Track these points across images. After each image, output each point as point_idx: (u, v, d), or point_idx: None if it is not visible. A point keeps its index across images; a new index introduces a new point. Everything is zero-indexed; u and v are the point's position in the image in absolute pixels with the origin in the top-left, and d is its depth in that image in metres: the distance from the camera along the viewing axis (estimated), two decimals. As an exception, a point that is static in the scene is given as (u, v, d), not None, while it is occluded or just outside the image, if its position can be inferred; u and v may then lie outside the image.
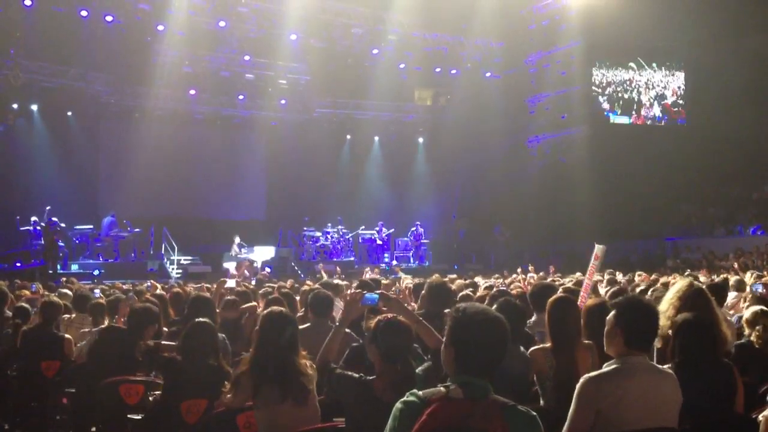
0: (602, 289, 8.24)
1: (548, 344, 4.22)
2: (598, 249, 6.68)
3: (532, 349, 4.24)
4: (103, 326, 6.08)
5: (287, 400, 3.74)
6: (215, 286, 8.44)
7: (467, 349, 2.50)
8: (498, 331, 2.52)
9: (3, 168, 20.43)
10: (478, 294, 7.22)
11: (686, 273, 11.55)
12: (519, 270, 14.91)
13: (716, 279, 9.86)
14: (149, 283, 11.72)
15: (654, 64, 25.05)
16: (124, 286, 11.55)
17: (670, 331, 4.03)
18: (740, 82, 21.65)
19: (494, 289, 7.44)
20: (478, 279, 11.95)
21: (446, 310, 5.52)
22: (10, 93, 19.85)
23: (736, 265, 15.89)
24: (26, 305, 7.02)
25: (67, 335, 6.36)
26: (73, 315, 7.38)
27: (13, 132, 21.03)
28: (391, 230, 23.82)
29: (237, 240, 21.08)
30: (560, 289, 6.27)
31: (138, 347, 5.27)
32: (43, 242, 18.09)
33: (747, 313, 5.02)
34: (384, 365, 3.47)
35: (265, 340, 3.88)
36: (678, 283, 4.61)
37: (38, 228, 18.77)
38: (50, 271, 17.19)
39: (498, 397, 2.46)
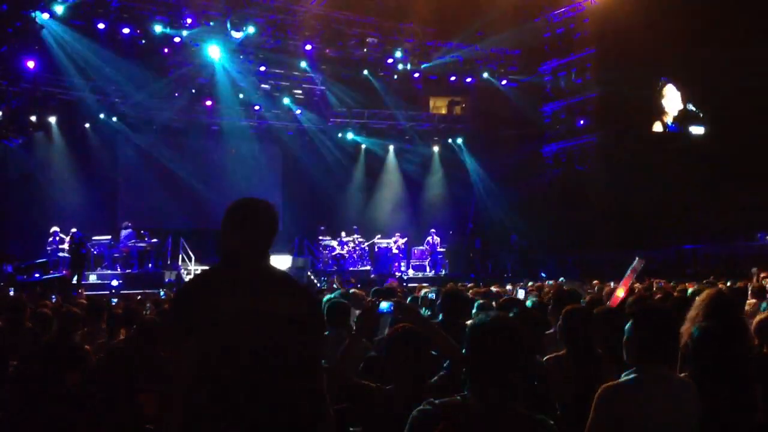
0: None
1: (562, 352, 4.20)
2: (637, 263, 6.48)
3: (546, 357, 4.22)
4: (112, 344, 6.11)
5: None
6: None
7: (482, 359, 2.50)
8: (511, 340, 2.51)
9: (22, 180, 20.65)
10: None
11: (705, 282, 11.44)
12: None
13: (731, 286, 9.74)
14: (163, 293, 11.77)
15: (670, 71, 24.90)
16: (138, 297, 11.60)
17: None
18: (758, 89, 21.48)
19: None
20: (494, 288, 11.90)
21: (464, 319, 5.53)
22: (28, 106, 20.09)
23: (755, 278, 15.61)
24: (49, 312, 7.05)
25: (87, 346, 6.38)
26: (86, 329, 7.33)
27: (31, 144, 21.27)
28: (405, 239, 23.81)
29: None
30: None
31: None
32: (68, 254, 18.35)
33: (755, 324, 4.73)
34: (399, 375, 3.46)
35: None
36: (707, 291, 4.56)
37: (58, 239, 19.00)
38: (73, 282, 17.35)
39: (516, 406, 2.46)
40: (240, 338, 2.61)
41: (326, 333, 5.48)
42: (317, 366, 2.88)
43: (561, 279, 16.51)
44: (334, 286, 15.96)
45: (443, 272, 23.30)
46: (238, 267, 2.82)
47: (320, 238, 23.44)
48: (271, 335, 2.65)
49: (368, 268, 22.86)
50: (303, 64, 23.09)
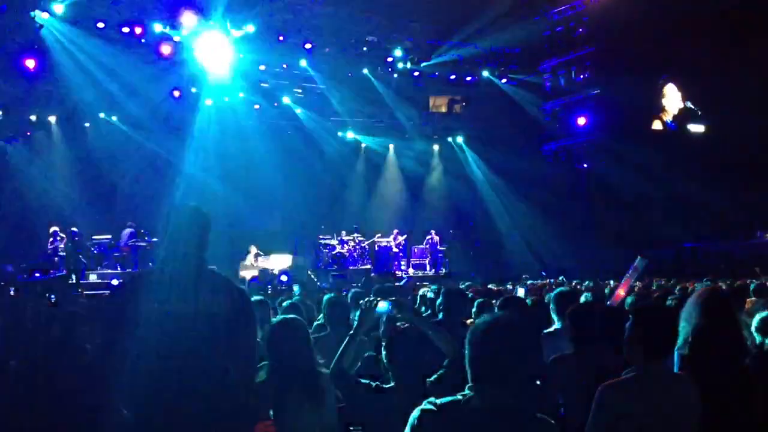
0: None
1: (570, 351, 4.18)
2: (638, 262, 6.47)
3: (553, 356, 4.20)
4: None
5: (305, 405, 3.73)
6: None
7: (484, 359, 2.50)
8: (512, 339, 2.51)
9: (22, 179, 20.65)
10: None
11: (705, 280, 11.44)
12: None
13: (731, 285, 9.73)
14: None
15: (670, 70, 24.90)
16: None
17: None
18: (758, 87, 21.48)
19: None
20: (491, 286, 11.93)
21: (463, 318, 5.53)
22: (28, 105, 20.08)
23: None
24: (50, 311, 7.04)
25: (87, 345, 6.37)
26: (86, 328, 7.32)
27: (31, 144, 21.25)
28: (404, 236, 23.82)
29: (254, 250, 21.16)
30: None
31: None
32: (65, 253, 18.34)
33: (756, 321, 4.72)
34: (399, 374, 3.46)
35: (274, 348, 3.88)
36: (701, 290, 4.54)
37: (58, 239, 18.99)
38: (71, 281, 17.33)
39: (517, 406, 2.45)
40: (158, 335, 2.90)
41: (325, 333, 5.48)
42: (248, 354, 3.23)
43: (561, 278, 16.53)
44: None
45: (443, 271, 23.27)
46: (171, 268, 3.13)
47: (320, 237, 23.41)
48: (190, 331, 2.92)
49: (368, 266, 22.84)
50: (303, 63, 23.07)
